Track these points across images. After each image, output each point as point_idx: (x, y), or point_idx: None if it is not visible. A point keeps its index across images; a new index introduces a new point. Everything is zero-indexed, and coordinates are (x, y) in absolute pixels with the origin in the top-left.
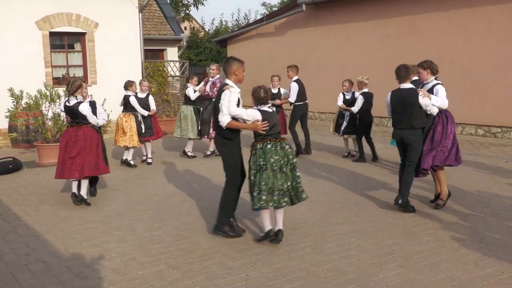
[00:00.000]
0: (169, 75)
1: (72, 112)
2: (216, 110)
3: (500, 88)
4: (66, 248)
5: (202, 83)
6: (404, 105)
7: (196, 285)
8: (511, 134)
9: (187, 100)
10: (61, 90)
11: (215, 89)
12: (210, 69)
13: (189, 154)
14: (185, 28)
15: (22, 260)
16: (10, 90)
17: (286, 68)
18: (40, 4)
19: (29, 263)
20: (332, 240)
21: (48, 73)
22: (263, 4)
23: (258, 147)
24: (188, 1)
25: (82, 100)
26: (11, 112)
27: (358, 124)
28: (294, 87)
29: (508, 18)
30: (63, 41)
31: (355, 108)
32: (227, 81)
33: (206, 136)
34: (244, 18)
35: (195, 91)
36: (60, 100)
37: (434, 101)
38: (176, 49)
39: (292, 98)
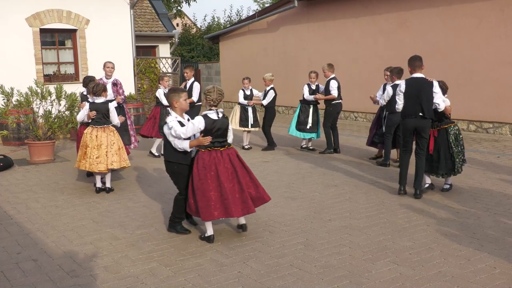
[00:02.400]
0: (161, 72)
1: (217, 128)
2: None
3: (491, 83)
4: (58, 246)
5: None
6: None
7: (188, 282)
8: (502, 130)
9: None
10: (52, 87)
11: (121, 90)
12: (106, 66)
13: None
14: (177, 24)
15: (12, 259)
16: (1, 87)
17: (184, 68)
18: (30, 1)
19: (19, 262)
20: (324, 237)
21: (39, 70)
22: (255, 1)
23: (456, 128)
24: None
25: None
26: (1, 110)
27: (266, 117)
28: (198, 87)
29: (498, 14)
30: (54, 38)
31: (265, 102)
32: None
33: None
34: (237, 15)
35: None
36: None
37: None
38: (168, 45)
39: (195, 97)
